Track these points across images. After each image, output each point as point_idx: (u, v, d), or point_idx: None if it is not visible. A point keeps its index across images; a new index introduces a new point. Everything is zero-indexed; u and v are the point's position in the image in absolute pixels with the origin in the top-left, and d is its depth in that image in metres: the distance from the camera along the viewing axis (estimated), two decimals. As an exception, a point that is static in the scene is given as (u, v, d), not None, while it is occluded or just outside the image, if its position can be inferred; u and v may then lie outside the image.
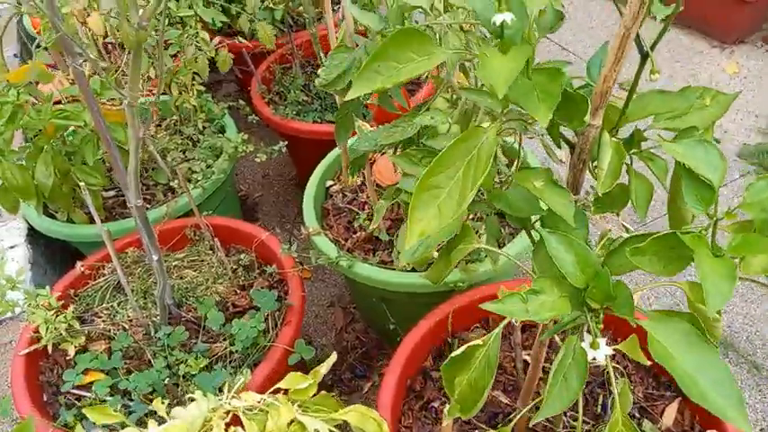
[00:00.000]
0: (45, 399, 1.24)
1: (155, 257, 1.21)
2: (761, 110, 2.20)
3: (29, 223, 1.65)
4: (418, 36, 0.62)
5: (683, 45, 2.52)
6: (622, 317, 0.62)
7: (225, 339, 1.26)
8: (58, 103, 1.45)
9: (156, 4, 0.89)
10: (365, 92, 0.60)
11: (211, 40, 1.70)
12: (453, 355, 0.71)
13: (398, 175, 1.50)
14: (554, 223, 0.71)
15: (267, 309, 1.22)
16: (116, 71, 1.51)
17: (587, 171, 0.73)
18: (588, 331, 0.64)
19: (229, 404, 0.81)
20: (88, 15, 0.83)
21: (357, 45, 0.96)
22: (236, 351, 1.19)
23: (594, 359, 0.63)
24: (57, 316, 1.22)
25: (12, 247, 1.64)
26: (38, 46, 1.29)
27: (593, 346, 0.63)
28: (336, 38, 1.29)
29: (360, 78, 0.60)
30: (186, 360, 1.17)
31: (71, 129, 1.40)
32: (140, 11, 0.90)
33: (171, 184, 1.67)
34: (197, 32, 1.61)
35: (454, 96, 0.99)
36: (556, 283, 0.64)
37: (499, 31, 0.60)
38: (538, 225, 0.75)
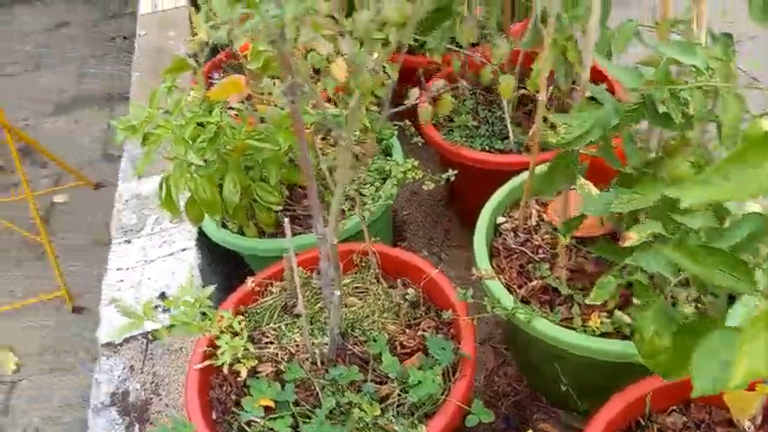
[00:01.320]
0: (215, 417, 1.27)
1: (336, 293, 1.18)
2: None
3: (200, 229, 1.71)
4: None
5: None
6: None
7: (393, 381, 1.21)
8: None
9: (393, 47, 0.85)
10: (701, 200, 0.50)
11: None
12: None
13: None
14: None
15: (445, 362, 1.16)
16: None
17: None
18: None
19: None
20: (332, 62, 0.80)
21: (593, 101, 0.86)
22: (408, 400, 1.14)
23: None
24: (234, 336, 1.24)
25: (183, 250, 1.71)
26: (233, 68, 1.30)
27: None
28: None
29: (701, 183, 0.50)
30: (357, 403, 1.14)
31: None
32: (375, 55, 0.87)
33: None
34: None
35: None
36: None
37: None
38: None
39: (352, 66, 0.82)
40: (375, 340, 1.27)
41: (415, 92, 1.07)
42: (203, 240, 1.75)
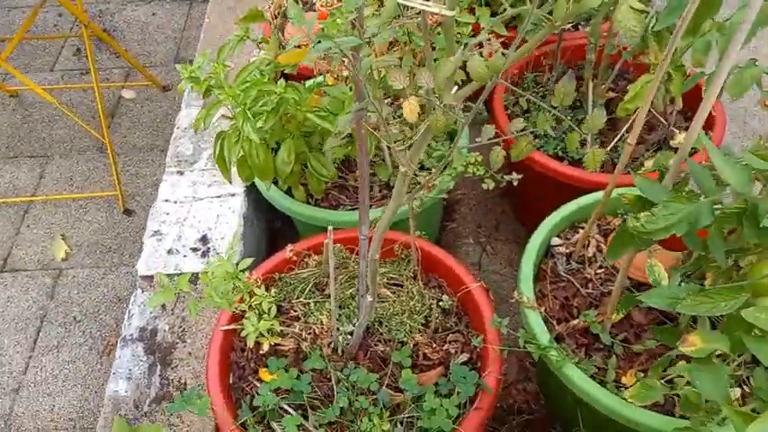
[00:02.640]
0: (231, 381, 1.30)
1: (369, 299, 1.16)
2: None
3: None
4: None
5: None
6: None
7: (408, 393, 1.20)
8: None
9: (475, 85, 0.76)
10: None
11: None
12: None
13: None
14: None
15: (465, 394, 1.13)
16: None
17: None
18: None
19: None
20: (404, 99, 0.72)
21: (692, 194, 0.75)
22: (418, 423, 1.13)
23: None
24: (261, 317, 1.23)
25: (232, 195, 1.70)
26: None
27: None
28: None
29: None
30: (369, 410, 1.14)
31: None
32: (454, 90, 0.78)
33: (390, 182, 1.60)
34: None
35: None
36: None
37: None
38: None
39: (424, 104, 0.73)
40: (402, 344, 1.25)
41: (489, 130, 0.97)
42: (252, 188, 1.73)
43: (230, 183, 1.37)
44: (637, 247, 0.95)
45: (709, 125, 1.63)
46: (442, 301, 1.36)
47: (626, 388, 1.19)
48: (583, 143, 1.66)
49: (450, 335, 1.32)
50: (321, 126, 1.33)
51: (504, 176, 1.49)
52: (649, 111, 1.66)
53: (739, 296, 0.78)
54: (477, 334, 1.27)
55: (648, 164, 1.19)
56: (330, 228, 1.11)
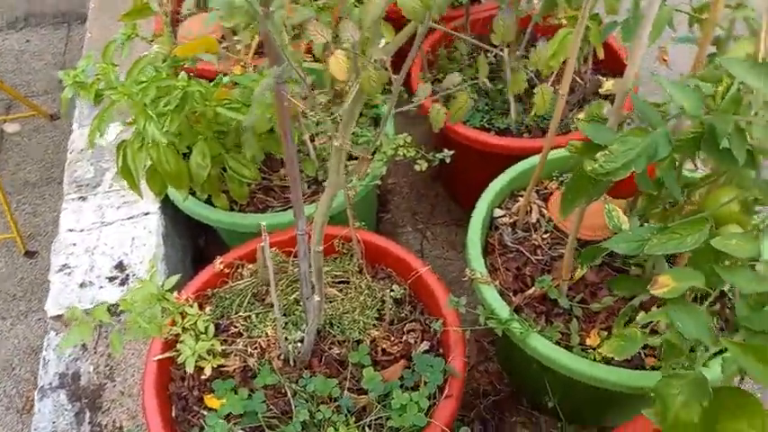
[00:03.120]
0: (174, 414, 1.16)
1: (316, 299, 1.05)
2: None
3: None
4: None
5: None
6: None
7: (372, 393, 1.11)
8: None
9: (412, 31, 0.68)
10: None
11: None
12: None
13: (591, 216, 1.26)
14: None
15: (434, 383, 1.06)
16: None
17: None
18: None
19: None
20: (331, 54, 0.63)
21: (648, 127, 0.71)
22: (388, 423, 1.05)
23: None
24: (198, 336, 1.11)
25: (146, 214, 1.54)
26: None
27: None
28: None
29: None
30: (333, 419, 1.04)
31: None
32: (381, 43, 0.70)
33: (318, 177, 1.50)
34: None
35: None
36: None
37: None
38: None
39: (353, 60, 0.65)
40: (358, 342, 1.16)
41: (425, 88, 0.90)
42: (168, 203, 1.58)
43: (141, 198, 1.23)
44: (589, 198, 0.91)
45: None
46: (392, 291, 1.28)
47: (592, 349, 1.16)
48: (504, 113, 1.64)
49: (407, 324, 1.24)
50: (236, 121, 1.22)
51: (436, 155, 1.44)
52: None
53: (703, 227, 0.75)
54: (436, 318, 1.20)
55: (581, 115, 1.17)
56: (263, 225, 1.00)
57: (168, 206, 1.59)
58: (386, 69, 0.70)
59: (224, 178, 1.38)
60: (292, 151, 0.92)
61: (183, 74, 1.07)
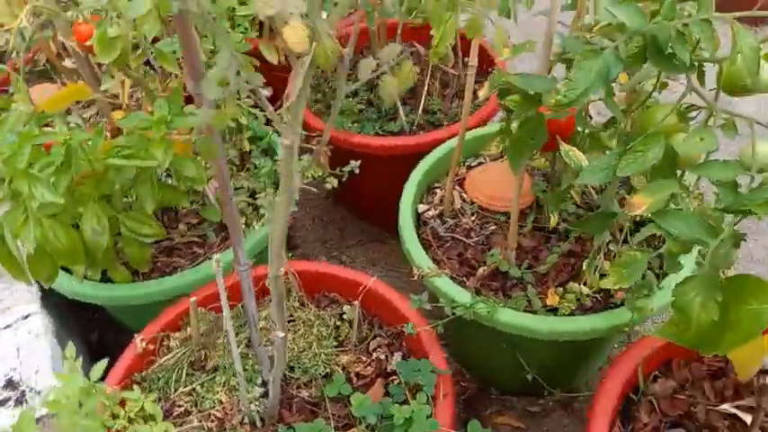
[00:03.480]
0: None
1: (280, 335, 0.93)
2: None
3: (41, 285, 1.30)
4: None
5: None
6: None
7: (362, 423, 1.00)
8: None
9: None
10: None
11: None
12: None
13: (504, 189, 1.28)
14: None
15: (430, 385, 0.98)
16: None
17: None
18: None
19: None
20: (284, 23, 0.56)
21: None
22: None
23: None
24: (153, 428, 0.92)
25: (26, 317, 1.29)
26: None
27: None
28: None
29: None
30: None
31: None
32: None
33: (223, 221, 1.37)
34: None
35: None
36: None
37: None
38: None
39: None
40: (327, 376, 1.05)
41: (369, 62, 0.84)
42: (48, 298, 1.34)
43: (29, 283, 1.02)
44: (531, 149, 0.91)
45: (491, 65, 1.74)
46: (344, 314, 1.18)
47: (554, 309, 1.16)
48: (393, 119, 1.64)
49: (371, 342, 1.15)
50: (124, 175, 1.07)
51: (343, 169, 1.38)
52: (439, 67, 1.71)
53: (660, 140, 0.78)
54: (397, 327, 1.13)
55: (482, 93, 1.18)
56: (216, 263, 0.87)
57: (50, 302, 1.35)
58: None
59: (117, 247, 1.20)
60: (224, 168, 0.81)
61: (60, 125, 0.91)
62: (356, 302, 1.19)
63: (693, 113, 0.84)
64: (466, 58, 1.68)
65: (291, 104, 0.68)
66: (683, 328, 0.72)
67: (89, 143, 0.98)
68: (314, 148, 1.34)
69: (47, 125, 1.00)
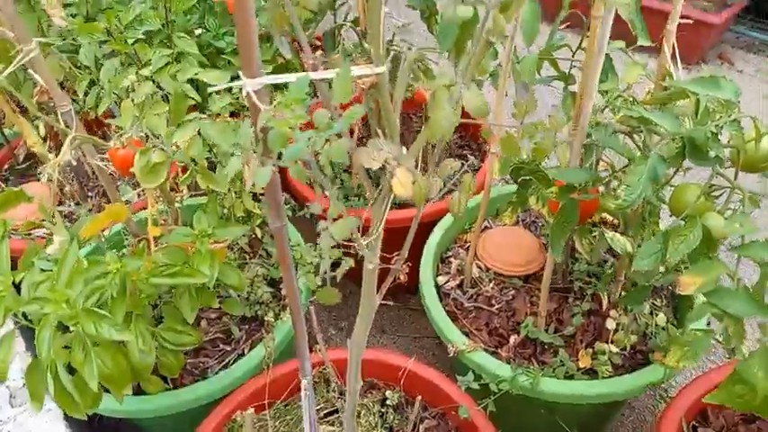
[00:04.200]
0: None
1: None
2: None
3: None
4: None
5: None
6: None
7: None
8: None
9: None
10: None
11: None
12: None
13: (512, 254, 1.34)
14: None
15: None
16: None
17: None
18: None
19: None
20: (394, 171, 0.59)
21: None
22: None
23: None
24: None
25: (51, 441, 1.23)
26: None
27: None
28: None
29: None
30: None
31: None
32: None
33: (246, 314, 1.36)
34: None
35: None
36: None
37: None
38: None
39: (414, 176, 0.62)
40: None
41: (452, 163, 0.83)
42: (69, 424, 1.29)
43: (85, 417, 0.98)
44: (569, 231, 0.98)
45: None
46: (387, 399, 1.20)
47: (591, 371, 1.21)
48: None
49: (421, 426, 1.17)
50: (160, 290, 1.06)
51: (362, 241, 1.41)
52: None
53: (697, 223, 0.85)
54: (445, 410, 1.15)
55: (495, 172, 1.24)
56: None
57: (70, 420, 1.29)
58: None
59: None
60: (291, 273, 0.83)
61: (111, 254, 0.90)
62: (397, 387, 1.21)
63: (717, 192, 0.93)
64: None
65: (373, 235, 0.71)
66: (747, 398, 0.79)
67: (136, 261, 0.97)
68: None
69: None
